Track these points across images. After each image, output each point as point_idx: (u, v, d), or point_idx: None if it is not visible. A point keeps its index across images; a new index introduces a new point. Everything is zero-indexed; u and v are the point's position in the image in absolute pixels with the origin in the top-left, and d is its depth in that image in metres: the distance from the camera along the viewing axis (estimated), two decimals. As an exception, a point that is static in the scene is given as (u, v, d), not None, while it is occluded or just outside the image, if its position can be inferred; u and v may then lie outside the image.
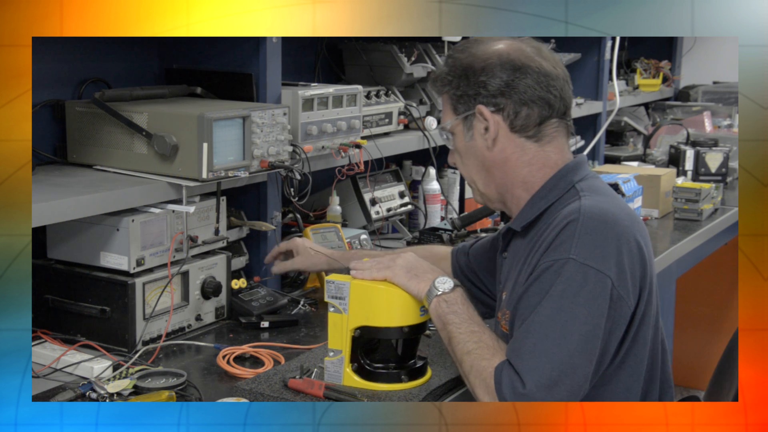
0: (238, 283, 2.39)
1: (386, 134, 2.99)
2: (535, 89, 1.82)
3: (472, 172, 1.92)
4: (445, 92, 1.91)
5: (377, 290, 1.86)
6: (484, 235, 3.12)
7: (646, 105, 5.33)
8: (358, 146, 2.70)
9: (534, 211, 1.86)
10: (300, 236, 2.57)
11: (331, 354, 1.89)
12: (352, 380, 1.88)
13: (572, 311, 1.66)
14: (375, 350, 1.90)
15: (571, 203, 1.79)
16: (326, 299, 1.89)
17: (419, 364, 1.93)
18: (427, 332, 1.92)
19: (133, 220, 2.11)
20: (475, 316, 1.80)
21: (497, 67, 1.83)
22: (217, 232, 2.34)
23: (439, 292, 1.82)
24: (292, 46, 2.91)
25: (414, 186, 3.36)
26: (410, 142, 3.07)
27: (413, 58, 3.14)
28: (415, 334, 1.89)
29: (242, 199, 2.53)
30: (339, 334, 1.88)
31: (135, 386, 1.89)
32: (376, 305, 1.86)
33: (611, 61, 4.40)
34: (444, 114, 1.94)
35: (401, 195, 3.16)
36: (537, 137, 1.85)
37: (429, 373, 1.95)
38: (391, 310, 1.86)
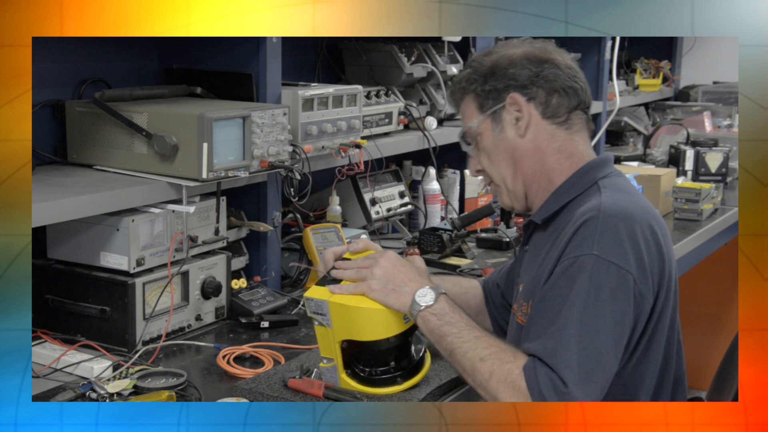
0: (238, 283, 2.40)
1: (386, 134, 2.99)
2: (564, 79, 1.86)
3: (501, 167, 1.90)
4: (471, 91, 1.90)
5: (356, 310, 1.81)
6: (485, 235, 3.14)
7: (646, 105, 5.33)
8: (358, 146, 2.70)
9: (555, 205, 1.86)
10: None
11: (325, 361, 1.89)
12: (349, 385, 1.87)
13: (597, 308, 1.65)
14: (369, 357, 1.88)
15: (591, 200, 1.79)
16: (309, 314, 1.86)
17: (415, 360, 1.90)
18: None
19: (133, 220, 2.11)
20: (470, 321, 1.77)
21: (524, 60, 1.87)
22: (217, 232, 2.34)
23: (422, 307, 1.78)
24: (292, 46, 2.91)
25: (414, 186, 3.36)
26: (410, 142, 3.07)
27: (413, 58, 3.14)
28: (403, 339, 1.86)
29: (242, 199, 2.53)
30: (328, 345, 1.86)
31: (135, 386, 1.89)
32: (356, 323, 1.82)
33: (611, 61, 4.40)
34: (467, 117, 1.93)
35: (401, 195, 3.16)
36: (567, 125, 1.88)
37: (428, 361, 1.92)
38: (373, 326, 1.82)
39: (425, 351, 1.93)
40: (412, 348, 1.92)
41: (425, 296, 1.79)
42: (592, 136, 2.03)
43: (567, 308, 1.66)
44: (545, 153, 1.87)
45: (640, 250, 1.71)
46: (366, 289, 1.82)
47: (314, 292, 1.85)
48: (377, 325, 1.82)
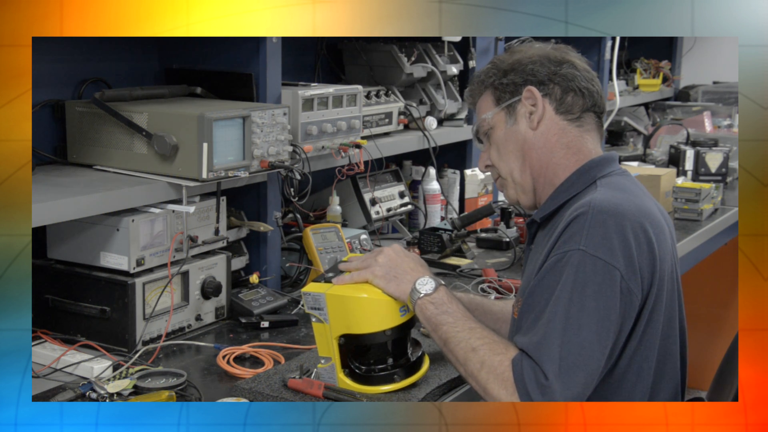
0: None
1: (386, 134, 2.99)
2: (581, 79, 1.90)
3: (510, 159, 1.93)
4: (489, 85, 1.94)
5: (352, 300, 1.83)
6: (485, 235, 3.14)
7: (646, 105, 5.33)
8: (358, 146, 2.70)
9: (554, 203, 1.87)
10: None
11: (323, 361, 1.89)
12: (347, 385, 1.87)
13: (582, 302, 1.67)
14: (366, 353, 1.89)
15: (585, 197, 1.80)
16: (306, 311, 1.87)
17: (413, 358, 1.91)
18: (424, 330, 1.91)
19: (133, 220, 2.11)
20: (467, 313, 1.79)
21: (544, 59, 1.91)
22: (217, 232, 2.34)
23: (421, 295, 1.80)
24: (292, 46, 2.91)
25: (414, 186, 3.36)
26: (410, 142, 3.07)
27: (413, 58, 3.14)
28: (400, 334, 1.87)
29: (242, 199, 2.53)
30: (325, 343, 1.87)
31: (135, 386, 1.89)
32: (353, 314, 1.83)
33: (611, 61, 4.40)
34: (482, 110, 1.97)
35: (401, 195, 3.16)
36: (578, 122, 1.90)
37: (426, 363, 1.93)
38: (369, 317, 1.83)
39: (423, 354, 1.94)
40: (409, 348, 1.93)
41: (425, 285, 1.81)
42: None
43: (553, 303, 1.68)
44: (554, 147, 1.89)
45: (630, 246, 1.71)
46: (369, 276, 1.85)
47: (311, 287, 1.87)
48: (373, 316, 1.83)
